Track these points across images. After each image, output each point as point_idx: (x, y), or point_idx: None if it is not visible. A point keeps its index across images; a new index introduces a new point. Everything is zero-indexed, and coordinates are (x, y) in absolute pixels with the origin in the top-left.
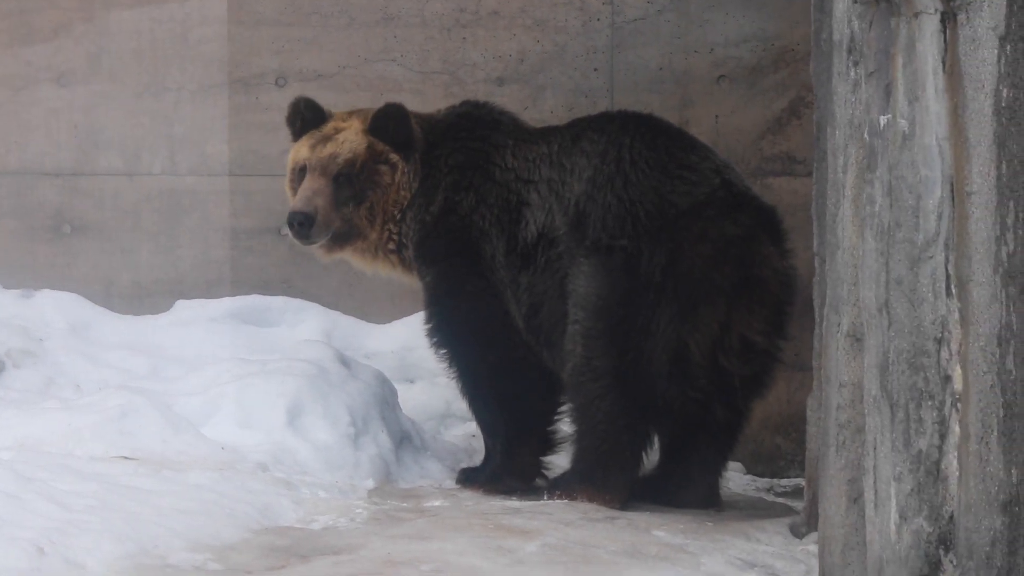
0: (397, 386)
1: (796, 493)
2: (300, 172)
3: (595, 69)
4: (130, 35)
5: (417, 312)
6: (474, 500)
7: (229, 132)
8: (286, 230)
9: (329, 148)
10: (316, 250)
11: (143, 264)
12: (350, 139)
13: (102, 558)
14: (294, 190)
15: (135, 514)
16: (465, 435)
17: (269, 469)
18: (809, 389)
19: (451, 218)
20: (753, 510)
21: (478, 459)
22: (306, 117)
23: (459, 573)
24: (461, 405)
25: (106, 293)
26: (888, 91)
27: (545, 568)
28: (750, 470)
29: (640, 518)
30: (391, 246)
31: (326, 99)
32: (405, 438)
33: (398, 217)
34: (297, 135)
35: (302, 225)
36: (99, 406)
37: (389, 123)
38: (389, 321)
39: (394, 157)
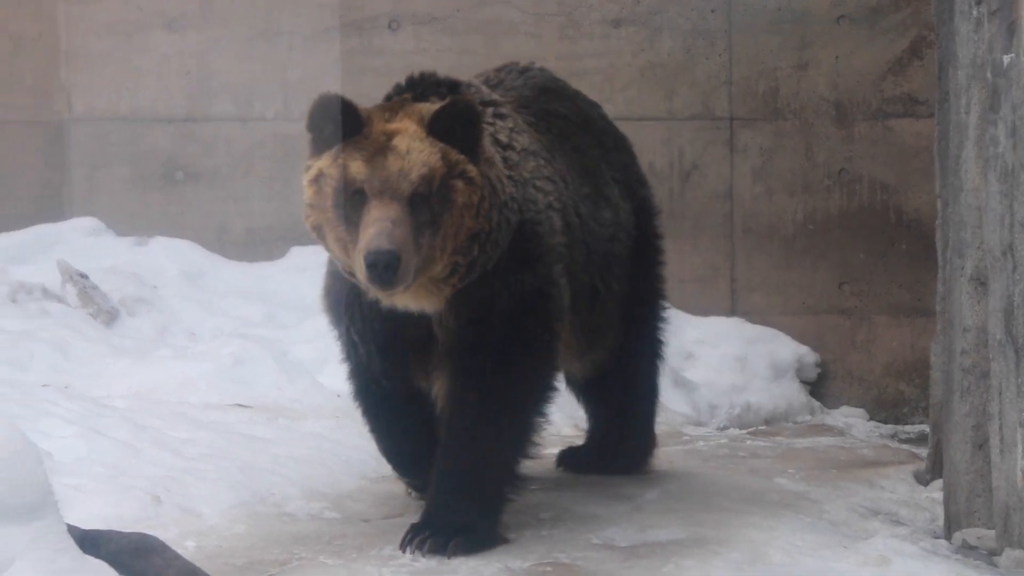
0: None
1: (920, 439)
2: (355, 196)
3: (713, 10)
4: None
5: None
6: None
7: (342, 76)
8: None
9: (394, 162)
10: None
11: (256, 210)
12: (417, 148)
13: (217, 506)
14: (342, 219)
15: (250, 462)
16: None
17: None
18: (933, 334)
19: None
20: (877, 457)
21: None
22: (342, 123)
23: (578, 520)
24: None
25: (219, 240)
26: (1012, 30)
27: (664, 515)
28: (874, 416)
29: (762, 465)
30: (453, 281)
31: (440, 43)
32: None
33: (469, 248)
34: (326, 144)
35: (388, 269)
36: (213, 354)
37: (456, 126)
38: None
39: (471, 170)
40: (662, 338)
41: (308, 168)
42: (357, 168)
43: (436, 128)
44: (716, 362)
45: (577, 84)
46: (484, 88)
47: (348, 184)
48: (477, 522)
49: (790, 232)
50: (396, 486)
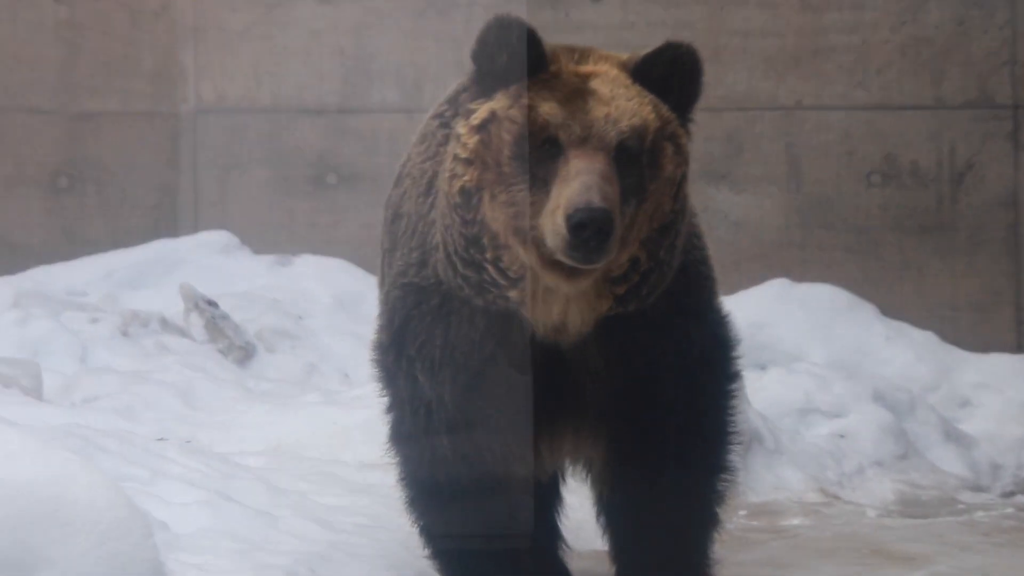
0: (744, 373)
1: None
2: (544, 145)
3: None
4: None
5: (772, 278)
6: (843, 518)
7: None
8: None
9: (597, 107)
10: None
11: None
12: (622, 94)
13: None
14: (523, 174)
15: (414, 535)
16: (831, 435)
17: None
18: None
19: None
20: None
21: (847, 465)
22: (524, 55)
23: None
24: (825, 397)
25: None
26: None
27: None
28: None
29: None
30: (620, 290)
31: (652, 15)
32: (755, 439)
33: (657, 241)
34: (499, 81)
35: (601, 234)
36: (371, 399)
37: (673, 77)
38: (733, 291)
39: (682, 135)
40: None
41: (470, 112)
42: (550, 110)
43: (647, 75)
44: (999, 410)
45: (822, 65)
46: None
47: (538, 130)
48: None
49: None
50: (577, 561)
